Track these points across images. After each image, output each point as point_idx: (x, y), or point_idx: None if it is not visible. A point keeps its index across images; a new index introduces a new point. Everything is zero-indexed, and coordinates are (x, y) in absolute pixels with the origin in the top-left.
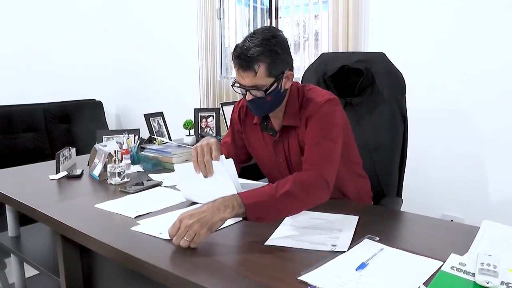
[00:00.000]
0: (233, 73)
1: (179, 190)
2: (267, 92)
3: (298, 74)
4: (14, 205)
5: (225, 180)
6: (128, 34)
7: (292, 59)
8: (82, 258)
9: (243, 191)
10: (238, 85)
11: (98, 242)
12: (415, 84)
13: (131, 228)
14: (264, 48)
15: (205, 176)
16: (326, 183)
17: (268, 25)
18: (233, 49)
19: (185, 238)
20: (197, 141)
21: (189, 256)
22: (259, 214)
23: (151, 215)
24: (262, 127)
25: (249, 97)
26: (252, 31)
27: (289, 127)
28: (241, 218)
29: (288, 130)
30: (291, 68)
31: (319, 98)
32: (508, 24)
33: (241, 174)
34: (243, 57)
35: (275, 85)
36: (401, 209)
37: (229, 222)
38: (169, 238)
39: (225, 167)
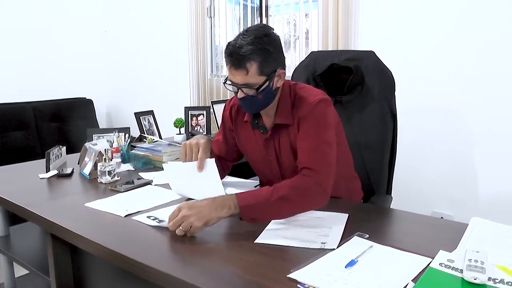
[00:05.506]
0: (224, 71)
1: (170, 189)
2: (259, 90)
3: (288, 72)
4: (4, 204)
5: (213, 179)
6: (118, 32)
7: (284, 58)
8: (72, 257)
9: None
10: (229, 82)
11: (88, 241)
12: (405, 82)
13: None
14: (256, 47)
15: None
16: (323, 188)
17: (261, 23)
18: (225, 46)
19: (181, 228)
20: (187, 140)
21: (179, 254)
22: (253, 216)
23: (141, 213)
24: (253, 125)
25: (240, 95)
26: (244, 28)
27: (281, 126)
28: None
29: (280, 129)
30: (283, 67)
31: (312, 98)
32: (497, 23)
33: (232, 172)
34: (235, 55)
35: (266, 83)
36: (390, 207)
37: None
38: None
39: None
